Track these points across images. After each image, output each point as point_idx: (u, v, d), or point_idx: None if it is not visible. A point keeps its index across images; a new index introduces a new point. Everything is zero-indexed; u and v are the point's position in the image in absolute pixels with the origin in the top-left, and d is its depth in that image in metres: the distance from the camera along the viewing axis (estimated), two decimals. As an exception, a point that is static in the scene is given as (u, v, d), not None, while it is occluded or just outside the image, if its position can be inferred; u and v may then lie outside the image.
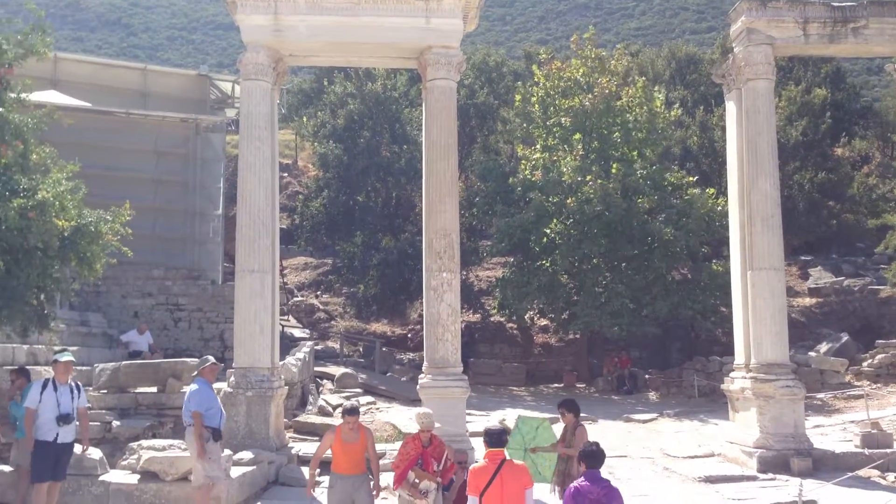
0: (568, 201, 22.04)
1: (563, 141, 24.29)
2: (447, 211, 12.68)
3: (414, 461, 7.96)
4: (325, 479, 11.15)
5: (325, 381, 20.01)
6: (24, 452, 8.82)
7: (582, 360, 25.87)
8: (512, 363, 26.07)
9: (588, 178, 22.03)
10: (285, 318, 28.03)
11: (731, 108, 14.08)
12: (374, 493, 8.26)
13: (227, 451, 9.64)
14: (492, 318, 27.67)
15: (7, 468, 9.44)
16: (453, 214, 12.77)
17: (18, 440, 9.25)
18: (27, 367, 10.75)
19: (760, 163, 13.01)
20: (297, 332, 26.41)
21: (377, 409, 17.74)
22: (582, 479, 6.35)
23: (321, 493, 10.49)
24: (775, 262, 12.87)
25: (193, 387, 8.94)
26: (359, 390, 19.27)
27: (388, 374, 22.87)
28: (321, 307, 30.25)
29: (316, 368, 20.24)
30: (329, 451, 8.25)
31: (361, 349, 26.90)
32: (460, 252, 13.06)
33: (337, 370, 20.87)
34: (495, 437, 6.83)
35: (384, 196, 27.83)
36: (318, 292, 31.57)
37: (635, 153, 23.75)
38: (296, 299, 30.48)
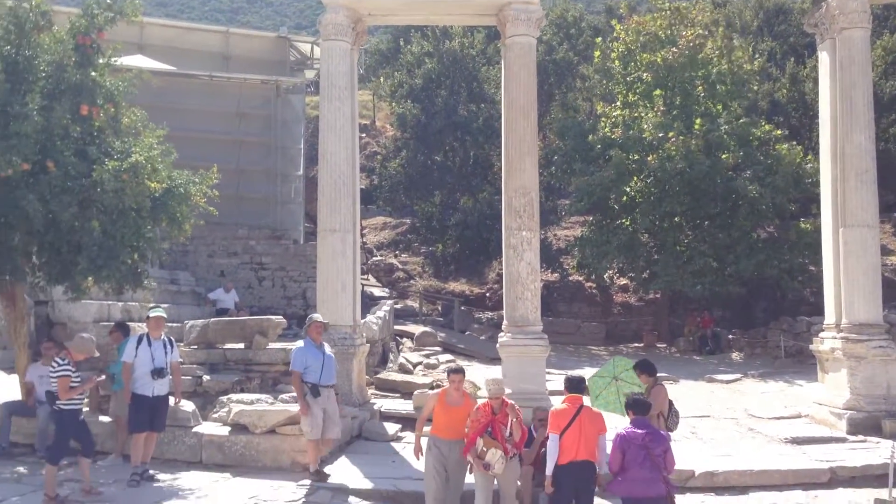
0: (649, 159, 21.59)
1: (643, 97, 23.74)
2: (526, 170, 12.58)
3: (483, 429, 7.58)
4: (406, 435, 11.45)
5: (404, 339, 20.25)
6: (122, 404, 9.25)
7: (662, 319, 25.52)
8: (591, 322, 25.92)
9: (670, 134, 21.52)
10: (364, 277, 28.40)
11: (823, 58, 13.48)
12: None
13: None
14: (570, 278, 27.48)
15: (106, 419, 9.93)
16: (532, 173, 12.68)
17: (116, 392, 9.71)
18: (125, 323, 11.18)
19: (855, 115, 12.46)
20: (377, 292, 26.78)
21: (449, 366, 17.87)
22: (629, 425, 7.05)
23: (403, 448, 10.76)
24: (869, 219, 12.38)
25: (298, 345, 9.25)
26: (438, 349, 19.45)
27: (467, 333, 23.01)
28: (400, 266, 30.55)
29: (395, 327, 20.50)
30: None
31: (440, 308, 27.11)
32: (539, 211, 12.97)
33: (416, 329, 21.10)
34: (575, 384, 7.74)
35: (462, 156, 27.77)
36: (397, 252, 31.86)
37: (719, 107, 23.04)
38: (375, 259, 30.84)
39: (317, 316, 9.61)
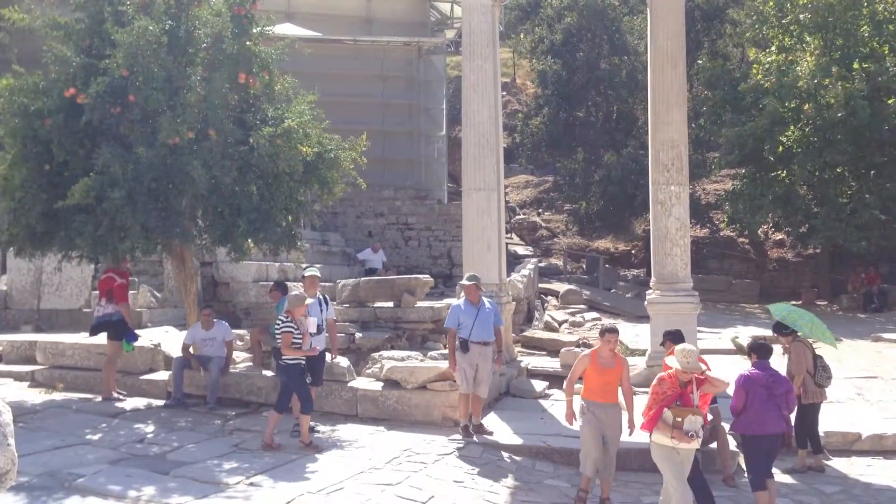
0: (805, 107, 20.35)
1: (800, 40, 22.31)
2: (674, 122, 12.16)
3: (671, 401, 6.58)
4: (554, 392, 11.47)
5: (549, 297, 20.20)
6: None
7: (823, 276, 24.20)
8: (743, 279, 24.93)
9: (826, 81, 20.14)
10: (508, 236, 28.41)
11: None
12: (629, 429, 7.45)
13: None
14: (721, 234, 26.49)
15: (269, 373, 10.49)
16: (681, 125, 12.23)
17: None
18: (283, 282, 11.72)
19: None
20: (521, 250, 26.80)
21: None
22: (752, 367, 7.49)
23: (551, 406, 10.80)
24: None
25: (455, 303, 9.49)
26: (583, 306, 19.29)
27: (612, 291, 22.70)
28: (543, 225, 30.39)
29: (540, 285, 20.48)
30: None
31: (584, 266, 26.83)
32: (687, 165, 12.52)
33: (561, 287, 20.99)
34: (670, 334, 8.32)
35: (605, 111, 27.15)
36: (540, 210, 31.68)
37: (886, 48, 21.33)
38: (518, 217, 30.80)
39: (463, 281, 9.73)
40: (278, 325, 8.53)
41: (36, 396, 10.52)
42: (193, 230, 10.03)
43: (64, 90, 9.37)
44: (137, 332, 12.38)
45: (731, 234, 26.02)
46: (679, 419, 6.44)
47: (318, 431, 9.08)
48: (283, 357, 8.44)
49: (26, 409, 9.71)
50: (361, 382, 10.15)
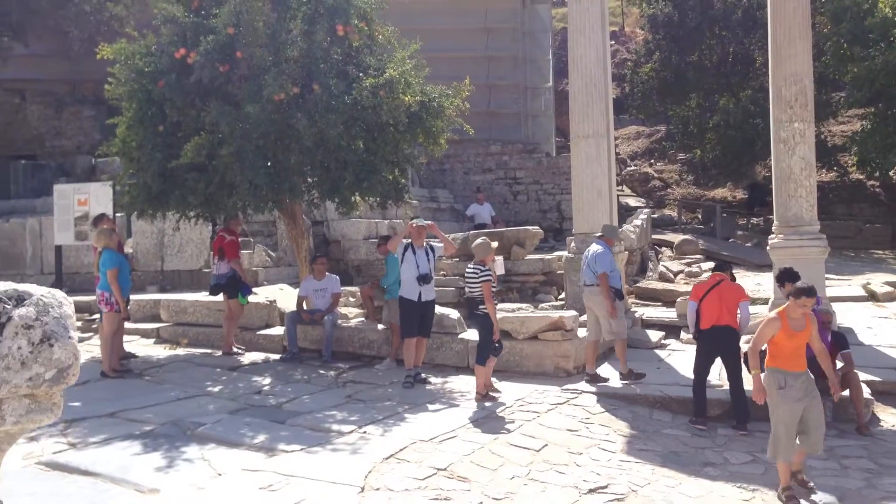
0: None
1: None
2: (797, 54, 11.39)
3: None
4: (671, 342, 11.09)
5: (663, 248, 19.60)
6: (394, 312, 9.76)
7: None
8: (874, 224, 23.49)
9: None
10: (619, 188, 27.73)
11: None
12: (834, 397, 6.89)
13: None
14: (849, 177, 24.98)
15: (381, 327, 10.55)
16: (805, 57, 11.45)
17: (388, 301, 10.28)
18: (391, 236, 11.74)
19: None
20: (632, 202, 26.08)
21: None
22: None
23: (668, 356, 10.45)
24: None
25: (597, 249, 9.34)
26: (699, 256, 18.61)
27: (731, 241, 21.80)
28: (656, 175, 29.47)
29: (653, 236, 19.89)
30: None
31: (700, 216, 25.90)
32: (812, 102, 11.74)
33: (675, 237, 20.31)
34: (719, 267, 8.70)
35: (719, 53, 25.88)
36: (652, 160, 30.72)
37: None
38: (629, 169, 29.97)
39: (613, 225, 9.62)
40: (474, 274, 8.37)
41: (161, 352, 10.94)
42: (301, 185, 10.10)
43: (175, 51, 9.55)
44: (254, 290, 12.74)
45: (861, 176, 24.49)
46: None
47: (429, 382, 9.07)
48: (481, 306, 8.33)
49: (152, 364, 10.11)
50: (472, 334, 10.04)
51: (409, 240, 9.20)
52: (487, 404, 8.13)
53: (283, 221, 11.28)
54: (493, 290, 8.52)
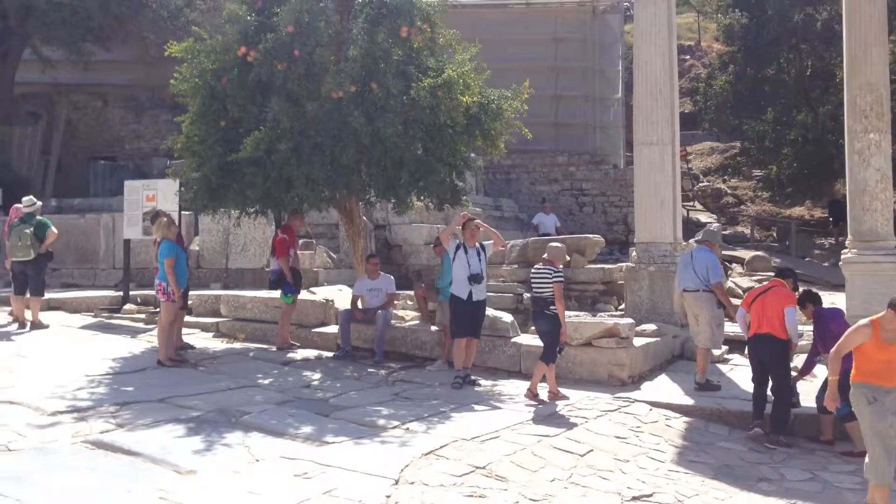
0: None
1: None
2: (873, 62, 10.95)
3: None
4: (734, 357, 10.72)
5: (733, 264, 19.07)
6: (447, 314, 9.68)
7: None
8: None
9: None
10: (691, 203, 27.21)
11: None
12: None
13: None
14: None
15: (435, 328, 10.49)
16: (881, 65, 11.01)
17: (441, 303, 10.21)
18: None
19: None
20: (703, 218, 25.49)
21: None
22: None
23: (730, 370, 10.10)
24: None
25: (705, 256, 9.32)
26: (771, 274, 18.01)
27: (806, 259, 21.08)
28: (728, 191, 28.77)
29: (724, 252, 19.36)
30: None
31: (775, 234, 25.15)
32: (889, 111, 11.26)
33: (747, 254, 19.75)
34: (779, 271, 8.65)
35: (797, 67, 25.20)
36: (725, 176, 30.03)
37: None
38: (701, 185, 29.34)
39: (715, 225, 9.52)
40: (546, 274, 8.35)
41: (218, 345, 11.09)
42: (358, 183, 10.12)
43: (237, 49, 9.71)
44: (314, 289, 12.84)
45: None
46: None
47: (478, 385, 8.95)
48: (552, 307, 8.28)
49: (208, 355, 10.25)
50: (525, 338, 9.90)
51: (461, 240, 9.12)
52: (539, 407, 8.01)
53: (341, 219, 11.35)
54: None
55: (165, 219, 9.76)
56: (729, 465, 7.01)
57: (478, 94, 9.98)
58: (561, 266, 8.68)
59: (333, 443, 6.51)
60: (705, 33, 43.24)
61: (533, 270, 8.73)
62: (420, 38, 10.13)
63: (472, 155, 11.19)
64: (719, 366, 10.44)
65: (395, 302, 12.71)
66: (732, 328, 11.89)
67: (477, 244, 9.13)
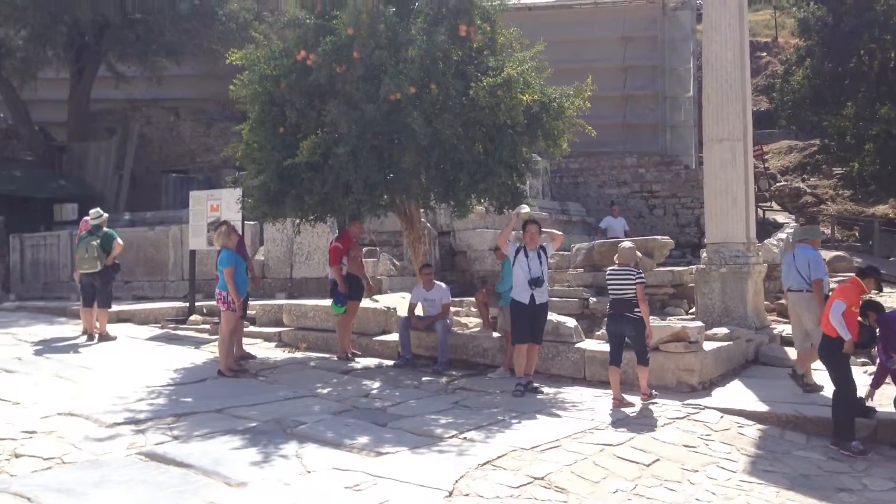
0: None
1: None
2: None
3: None
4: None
5: (813, 265, 18.24)
6: (508, 319, 9.41)
7: None
8: None
9: None
10: (768, 204, 26.34)
11: None
12: None
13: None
14: None
15: (496, 334, 10.24)
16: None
17: (502, 308, 9.94)
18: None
19: None
20: (781, 218, 24.64)
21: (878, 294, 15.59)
22: None
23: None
24: None
25: (808, 253, 9.00)
26: (851, 275, 17.16)
27: (891, 259, 20.11)
28: (808, 191, 27.71)
29: (803, 253, 18.57)
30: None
31: (857, 233, 24.08)
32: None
33: (828, 254, 18.86)
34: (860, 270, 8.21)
35: (880, 59, 24.10)
36: (804, 175, 28.96)
37: None
38: (779, 184, 28.35)
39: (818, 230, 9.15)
40: (628, 276, 8.13)
41: (279, 354, 11.05)
42: (417, 186, 9.95)
43: (296, 53, 9.67)
44: (376, 297, 12.71)
45: None
46: None
47: (541, 392, 8.65)
48: (636, 309, 8.06)
49: (268, 365, 10.20)
50: (589, 344, 9.56)
51: (521, 242, 8.86)
52: (610, 412, 7.80)
53: (401, 224, 11.18)
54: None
55: (224, 227, 9.75)
56: (806, 474, 6.56)
57: (538, 93, 9.70)
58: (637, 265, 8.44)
59: (388, 453, 6.32)
60: (782, 29, 41.99)
61: (610, 272, 8.44)
62: (479, 37, 9.94)
63: (535, 156, 10.90)
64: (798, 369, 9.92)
65: (459, 309, 12.56)
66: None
67: (538, 247, 8.84)
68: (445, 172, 9.52)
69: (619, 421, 7.44)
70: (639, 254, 8.49)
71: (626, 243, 8.81)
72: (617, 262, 8.42)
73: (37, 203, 20.99)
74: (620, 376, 8.25)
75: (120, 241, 12.16)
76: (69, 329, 12.85)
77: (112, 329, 12.26)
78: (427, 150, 9.37)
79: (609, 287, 8.46)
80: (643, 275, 8.31)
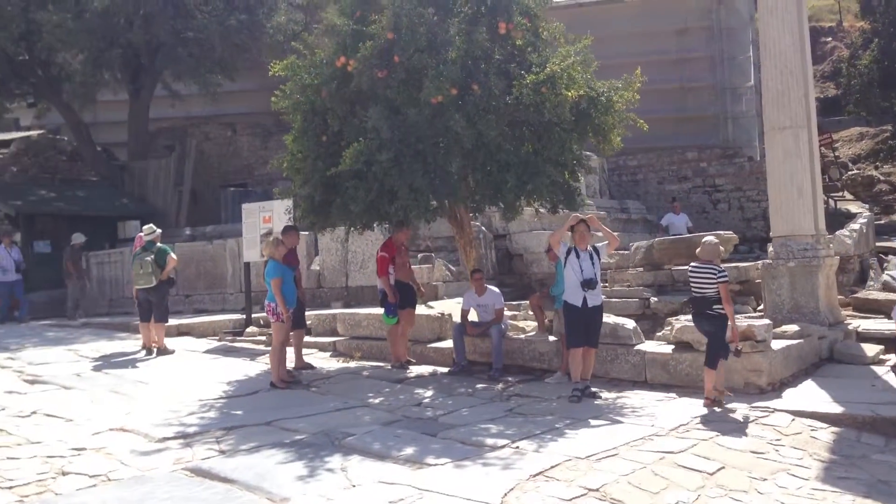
0: None
1: None
2: None
3: None
4: (890, 358, 9.56)
5: (889, 256, 17.41)
6: (563, 322, 9.10)
7: None
8: None
9: None
10: (840, 193, 25.32)
11: None
12: None
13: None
14: None
15: (553, 338, 9.93)
16: None
17: (557, 311, 9.64)
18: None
19: None
20: (854, 208, 23.60)
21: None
22: None
23: (886, 372, 9.02)
24: None
25: None
26: (933, 265, 16.30)
27: (976, 247, 19.02)
28: (882, 178, 26.56)
29: (878, 244, 17.79)
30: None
31: (939, 221, 22.95)
32: None
33: (909, 244, 18.04)
34: None
35: (954, 36, 22.97)
36: (877, 163, 27.77)
37: None
38: (851, 173, 27.25)
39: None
40: (710, 274, 7.83)
41: (333, 364, 10.94)
42: (464, 190, 9.71)
43: (336, 60, 9.55)
44: (431, 303, 12.52)
45: None
46: None
47: (599, 397, 8.31)
48: (716, 306, 7.76)
49: (321, 376, 10.09)
50: (649, 346, 9.18)
51: (571, 243, 8.55)
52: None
53: (452, 229, 10.96)
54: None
55: (271, 238, 9.67)
56: (886, 480, 6.10)
57: (584, 88, 9.38)
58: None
59: (436, 465, 6.09)
60: (847, 13, 40.61)
61: (691, 268, 8.13)
62: (520, 33, 9.66)
63: (587, 153, 10.55)
64: (874, 367, 9.39)
65: (516, 313, 12.26)
66: (888, 325, 10.76)
67: (589, 247, 8.52)
68: (492, 174, 9.27)
69: (681, 426, 7.06)
70: (722, 248, 8.02)
71: (710, 237, 8.45)
72: (699, 257, 8.05)
73: (101, 222, 21.41)
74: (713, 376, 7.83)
75: (174, 255, 12.23)
76: (130, 344, 12.97)
77: (171, 342, 12.33)
78: (472, 152, 9.15)
79: (690, 284, 8.13)
80: (726, 273, 7.92)
